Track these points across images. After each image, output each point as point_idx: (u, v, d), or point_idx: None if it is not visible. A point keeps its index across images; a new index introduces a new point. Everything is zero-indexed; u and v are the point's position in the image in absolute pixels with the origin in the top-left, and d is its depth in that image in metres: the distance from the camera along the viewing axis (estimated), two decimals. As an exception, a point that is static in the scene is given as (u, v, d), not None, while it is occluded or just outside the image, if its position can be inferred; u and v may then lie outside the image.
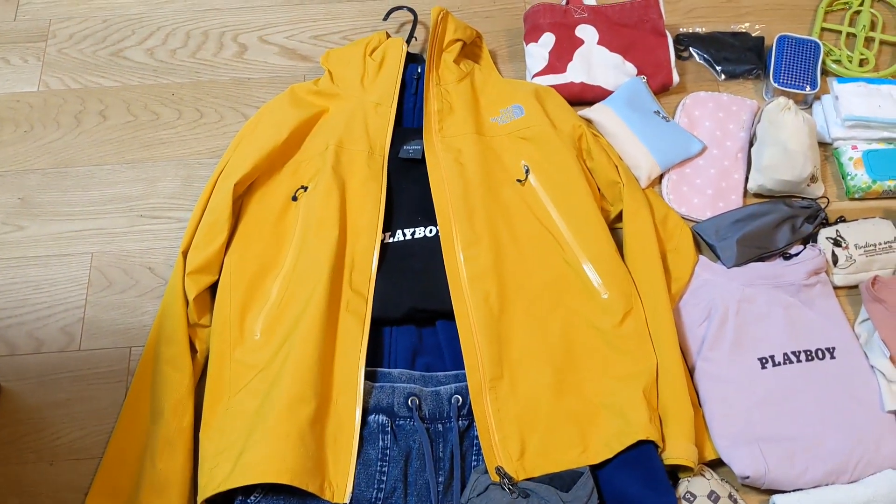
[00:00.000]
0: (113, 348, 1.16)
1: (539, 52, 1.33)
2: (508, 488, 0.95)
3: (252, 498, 0.95)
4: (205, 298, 1.12)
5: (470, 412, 1.03)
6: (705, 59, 1.38)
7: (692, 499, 1.00)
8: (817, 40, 1.35)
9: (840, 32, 1.41)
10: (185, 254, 1.13)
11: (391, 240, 1.15)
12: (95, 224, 1.25)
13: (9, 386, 1.13)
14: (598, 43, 1.33)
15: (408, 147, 1.22)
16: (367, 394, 1.02)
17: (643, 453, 1.00)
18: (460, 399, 1.03)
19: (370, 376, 1.05)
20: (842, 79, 1.31)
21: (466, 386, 1.03)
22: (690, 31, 1.42)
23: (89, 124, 1.34)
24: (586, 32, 1.34)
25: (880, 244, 1.18)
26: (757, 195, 1.26)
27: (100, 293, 1.19)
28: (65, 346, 1.16)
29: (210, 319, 1.12)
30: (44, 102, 1.36)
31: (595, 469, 1.00)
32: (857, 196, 1.26)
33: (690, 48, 1.39)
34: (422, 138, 1.22)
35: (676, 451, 1.00)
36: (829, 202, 1.25)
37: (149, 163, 1.31)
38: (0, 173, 1.29)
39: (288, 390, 0.98)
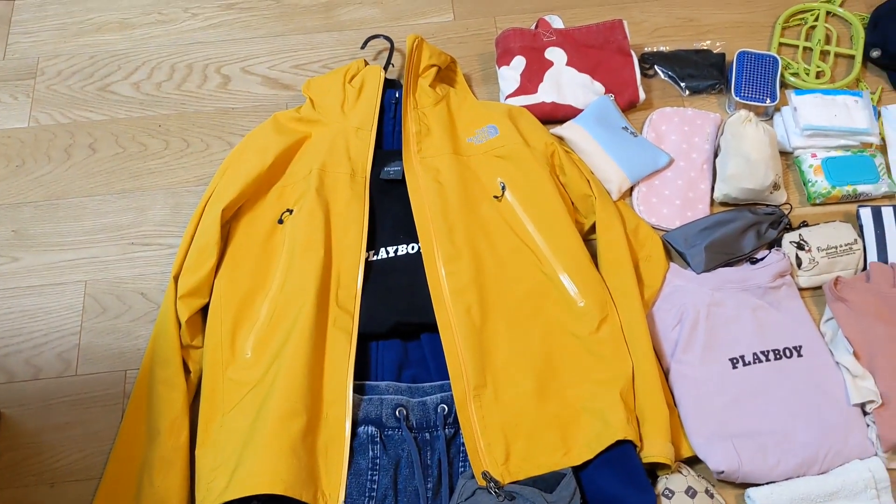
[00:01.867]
0: (108, 372, 1.18)
1: (511, 74, 1.37)
2: (495, 492, 0.98)
3: (248, 510, 0.97)
4: (196, 321, 1.15)
5: (456, 420, 1.06)
6: (670, 77, 1.42)
7: (670, 495, 1.03)
8: (775, 55, 1.40)
9: (797, 47, 1.46)
10: (176, 278, 1.16)
11: (375, 258, 1.19)
12: (88, 253, 1.28)
13: (8, 412, 1.15)
14: (567, 64, 1.37)
15: (388, 168, 1.25)
16: (356, 406, 1.05)
17: (622, 453, 1.03)
18: (446, 408, 1.06)
19: (358, 389, 1.08)
20: (800, 91, 1.36)
21: (452, 395, 1.06)
22: (655, 50, 1.46)
23: (79, 157, 1.37)
24: (555, 54, 1.38)
25: (841, 246, 1.22)
26: (723, 203, 1.30)
27: (94, 319, 1.22)
28: (62, 371, 1.18)
29: (202, 340, 1.14)
30: (34, 138, 1.39)
31: (577, 470, 1.03)
32: (817, 201, 1.30)
33: (655, 66, 1.43)
34: (401, 159, 1.26)
35: (654, 450, 1.03)
36: (791, 208, 1.29)
37: (138, 192, 1.34)
38: (-7, 207, 1.33)
39: (279, 405, 1.01)
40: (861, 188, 1.29)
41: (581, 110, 1.35)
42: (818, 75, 1.43)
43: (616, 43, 1.40)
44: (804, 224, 1.26)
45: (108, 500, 1.04)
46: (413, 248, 1.19)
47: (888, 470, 1.06)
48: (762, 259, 1.21)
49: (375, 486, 1.02)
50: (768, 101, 1.36)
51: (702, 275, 1.20)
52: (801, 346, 1.15)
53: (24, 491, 1.09)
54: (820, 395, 1.11)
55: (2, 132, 1.40)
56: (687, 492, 1.03)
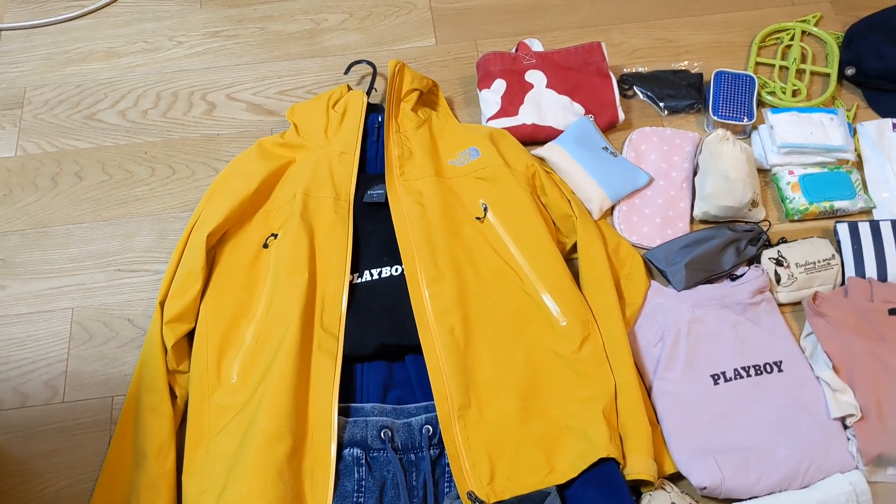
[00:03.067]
0: (95, 399, 1.18)
1: (492, 97, 1.39)
2: (480, 511, 0.99)
3: (234, 533, 0.97)
4: (182, 346, 1.16)
5: (441, 441, 1.07)
6: (648, 97, 1.44)
7: (654, 511, 1.04)
8: (752, 74, 1.42)
9: (773, 66, 1.48)
10: (162, 304, 1.17)
11: (359, 280, 1.20)
12: (75, 280, 1.29)
13: (-5, 440, 1.16)
14: (547, 86, 1.39)
15: (371, 192, 1.27)
16: (342, 428, 1.06)
17: (606, 471, 1.03)
18: (431, 429, 1.07)
19: (344, 412, 1.08)
20: (776, 109, 1.38)
21: (436, 416, 1.07)
22: (633, 71, 1.48)
23: (66, 185, 1.38)
24: (535, 77, 1.40)
25: (819, 262, 1.23)
26: (702, 221, 1.32)
27: (81, 346, 1.23)
28: (49, 399, 1.19)
29: (188, 366, 1.15)
30: (21, 166, 1.40)
31: (561, 488, 1.03)
32: (795, 218, 1.31)
33: (634, 87, 1.45)
34: (384, 183, 1.28)
35: (637, 467, 1.04)
36: (770, 225, 1.31)
37: (125, 219, 1.35)
38: (-19, 236, 1.33)
39: (265, 429, 1.02)
40: (838, 204, 1.30)
41: (561, 131, 1.37)
42: (794, 94, 1.45)
43: (595, 65, 1.42)
44: (783, 240, 1.27)
45: (94, 527, 1.05)
46: (397, 270, 1.21)
47: (869, 483, 1.07)
48: (742, 276, 1.23)
49: (361, 508, 1.03)
50: (745, 119, 1.38)
51: (682, 292, 1.21)
52: (781, 362, 1.16)
53: (12, 519, 1.10)
54: (800, 410, 1.12)
55: (-11, 161, 1.41)
56: (670, 508, 1.04)
